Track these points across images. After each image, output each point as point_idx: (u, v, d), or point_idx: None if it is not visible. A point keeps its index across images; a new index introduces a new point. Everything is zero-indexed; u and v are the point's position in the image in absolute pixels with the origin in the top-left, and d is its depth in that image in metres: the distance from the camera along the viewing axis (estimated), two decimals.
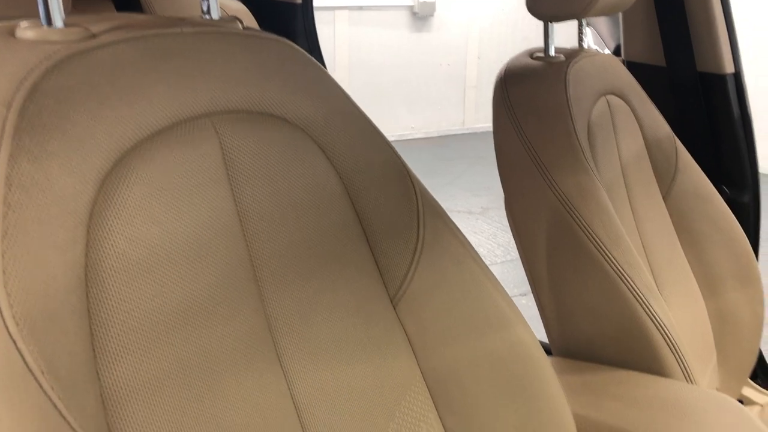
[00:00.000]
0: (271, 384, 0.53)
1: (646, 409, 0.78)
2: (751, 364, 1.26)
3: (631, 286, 0.88)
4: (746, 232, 1.23)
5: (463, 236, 0.70)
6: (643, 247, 1.11)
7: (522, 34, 5.65)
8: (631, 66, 1.35)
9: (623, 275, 0.88)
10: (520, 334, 0.69)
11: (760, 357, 1.35)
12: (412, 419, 0.65)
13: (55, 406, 0.37)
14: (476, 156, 5.05)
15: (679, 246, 1.19)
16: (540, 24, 1.06)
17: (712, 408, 0.77)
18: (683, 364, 0.88)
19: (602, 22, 1.61)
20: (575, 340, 0.93)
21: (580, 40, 1.17)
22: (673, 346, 0.88)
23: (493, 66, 5.40)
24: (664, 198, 1.20)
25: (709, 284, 1.21)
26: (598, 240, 0.89)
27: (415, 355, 0.67)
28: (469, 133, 5.84)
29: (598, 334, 0.91)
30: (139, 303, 0.45)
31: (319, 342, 0.58)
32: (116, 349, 0.43)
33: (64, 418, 0.37)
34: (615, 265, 0.88)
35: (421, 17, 5.41)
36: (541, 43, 1.07)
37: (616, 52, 1.48)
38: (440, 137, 5.70)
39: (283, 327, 0.56)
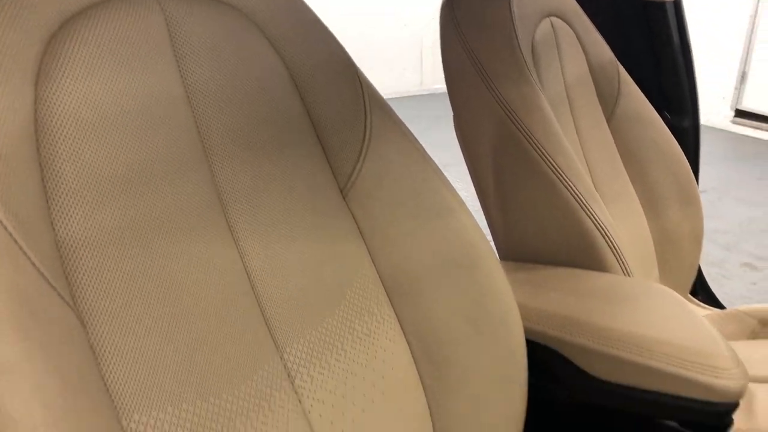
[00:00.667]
0: (223, 251, 0.55)
1: (585, 297, 0.83)
2: (690, 280, 1.32)
3: (573, 190, 0.92)
4: (687, 155, 1.29)
5: (408, 130, 0.73)
6: (588, 166, 1.15)
7: None
8: None
9: (565, 180, 0.92)
10: (464, 222, 0.72)
11: (699, 273, 1.42)
12: (361, 299, 0.68)
13: (15, 241, 0.39)
14: (434, 116, 5.07)
15: (623, 167, 1.24)
16: None
17: (648, 294, 0.82)
18: (622, 262, 0.93)
19: None
20: (521, 245, 0.97)
21: None
22: (613, 246, 0.93)
23: None
24: (607, 121, 1.24)
25: (651, 204, 1.26)
26: (541, 148, 0.92)
27: (364, 243, 0.69)
28: (428, 94, 5.86)
29: (541, 238, 0.96)
30: (90, 161, 0.47)
31: (270, 219, 0.60)
32: (68, 202, 0.45)
33: (24, 252, 0.39)
34: (557, 171, 0.92)
35: None
36: None
37: None
38: (398, 98, 5.71)
39: (234, 201, 0.58)
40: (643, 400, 0.76)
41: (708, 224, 2.96)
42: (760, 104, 4.24)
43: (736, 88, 4.28)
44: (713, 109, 4.23)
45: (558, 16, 1.14)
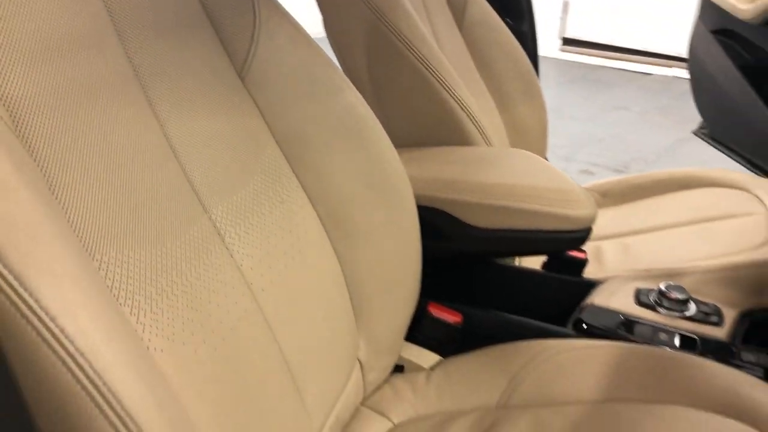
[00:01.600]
0: (146, 120, 0.60)
1: (462, 164, 0.95)
2: None
3: (440, 78, 1.03)
4: (528, 54, 1.45)
5: (297, 21, 0.80)
6: None
7: None
8: None
9: (432, 70, 1.03)
10: (351, 99, 0.81)
11: None
12: (271, 169, 0.75)
13: None
14: None
15: (474, 67, 1.38)
16: None
17: (514, 155, 0.96)
18: (487, 138, 1.06)
19: None
20: (397, 132, 1.07)
21: None
22: (478, 124, 1.05)
23: None
24: (458, 27, 1.37)
25: (501, 100, 1.41)
26: (408, 42, 1.03)
27: (265, 121, 0.76)
28: None
29: (415, 124, 1.07)
30: (21, 27, 0.50)
31: (179, 97, 0.65)
32: (7, 59, 0.49)
33: None
34: (424, 61, 1.03)
35: None
36: None
37: None
38: None
39: (148, 76, 0.62)
40: (515, 239, 0.90)
41: (548, 140, 3.27)
42: (581, 32, 4.66)
43: (561, 18, 4.67)
44: (543, 39, 4.57)
45: None
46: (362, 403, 0.85)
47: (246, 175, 0.70)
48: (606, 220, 1.34)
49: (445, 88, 1.03)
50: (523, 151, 0.99)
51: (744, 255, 1.04)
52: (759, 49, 1.94)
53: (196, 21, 0.71)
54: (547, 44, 4.64)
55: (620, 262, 1.13)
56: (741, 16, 1.84)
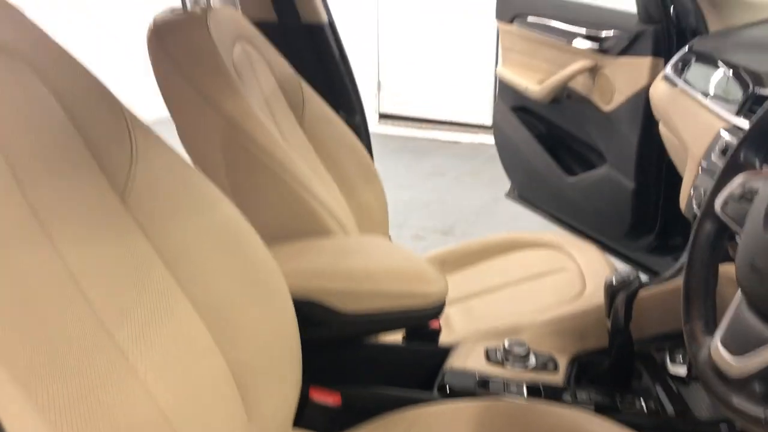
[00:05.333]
0: (46, 256, 0.64)
1: (328, 253, 1.05)
2: None
3: (295, 176, 1.14)
4: (362, 142, 1.60)
5: (170, 145, 0.86)
6: None
7: None
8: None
9: (288, 171, 1.13)
10: (227, 210, 0.88)
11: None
12: (161, 289, 0.80)
13: None
14: None
15: (318, 160, 1.50)
16: None
17: (371, 243, 1.08)
18: (342, 227, 1.17)
19: None
20: (262, 233, 1.15)
21: (208, 1, 1.37)
22: (335, 216, 1.17)
23: None
24: (299, 123, 1.49)
25: (344, 187, 1.54)
26: (264, 147, 1.12)
27: (150, 242, 0.81)
28: None
29: (275, 222, 1.15)
30: None
31: (77, 224, 0.69)
32: None
33: None
34: (280, 164, 1.13)
35: None
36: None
37: None
38: None
39: (45, 213, 0.66)
40: (382, 319, 1.01)
41: None
42: (394, 107, 5.05)
43: (376, 96, 5.02)
44: None
45: (245, 40, 1.35)
46: None
47: (140, 295, 0.75)
48: (449, 286, 1.50)
49: (301, 186, 1.13)
50: (377, 237, 1.11)
51: (565, 307, 1.24)
52: (550, 122, 2.28)
53: (78, 153, 0.75)
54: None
55: (467, 324, 1.29)
56: (533, 96, 2.16)
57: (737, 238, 0.72)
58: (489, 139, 4.34)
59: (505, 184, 2.61)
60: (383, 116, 5.10)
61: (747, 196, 0.73)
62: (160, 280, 0.80)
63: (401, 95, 5.02)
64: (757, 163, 0.77)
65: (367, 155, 1.59)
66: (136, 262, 0.77)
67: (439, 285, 1.00)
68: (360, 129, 1.69)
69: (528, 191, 2.56)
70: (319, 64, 1.64)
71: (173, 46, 1.15)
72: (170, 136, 0.97)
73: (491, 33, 4.43)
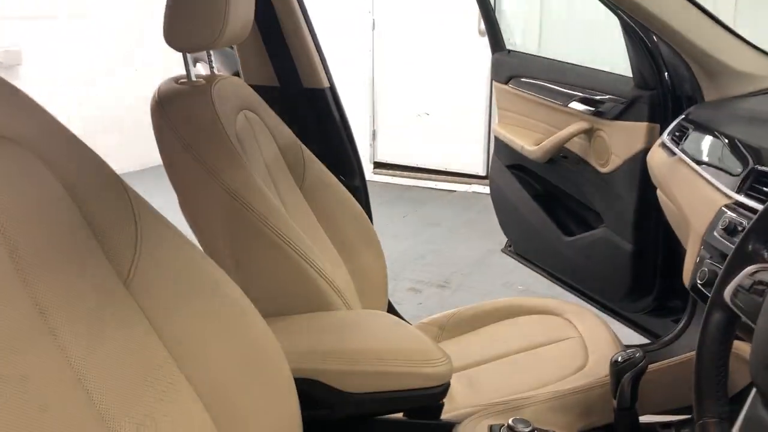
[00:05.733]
0: (50, 353, 0.62)
1: (330, 331, 1.04)
2: (385, 306, 1.63)
3: (299, 251, 1.13)
4: (362, 206, 1.60)
5: (176, 228, 0.86)
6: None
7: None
8: (252, 88, 1.62)
9: (290, 243, 1.13)
10: (228, 289, 0.88)
11: (390, 304, 1.75)
12: (161, 380, 0.78)
13: None
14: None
15: (318, 224, 1.50)
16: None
17: (372, 318, 1.07)
18: (345, 300, 1.16)
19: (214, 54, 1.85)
20: (262, 307, 1.14)
21: (211, 67, 1.38)
22: (336, 289, 1.16)
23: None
24: (300, 189, 1.49)
25: (344, 251, 1.54)
26: (266, 220, 1.12)
27: (152, 327, 0.80)
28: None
29: (278, 295, 1.14)
30: None
31: (80, 317, 0.68)
32: None
33: None
34: (283, 237, 1.12)
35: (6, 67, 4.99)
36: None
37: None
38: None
39: (51, 309, 0.65)
40: (387, 399, 0.99)
41: None
42: (390, 156, 5.08)
43: (371, 145, 5.06)
44: None
45: (249, 109, 1.36)
46: None
47: (144, 385, 0.73)
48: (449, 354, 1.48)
49: (304, 259, 1.13)
50: (382, 313, 1.10)
51: (568, 381, 1.22)
52: (546, 181, 2.29)
53: (85, 244, 0.74)
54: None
55: (470, 397, 1.27)
56: (529, 156, 2.18)
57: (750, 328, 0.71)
58: (482, 188, 4.38)
59: (500, 235, 2.61)
60: (378, 165, 5.13)
61: (757, 289, 0.73)
62: (163, 365, 0.79)
63: (395, 144, 5.05)
64: (765, 254, 0.77)
65: (367, 218, 1.59)
66: (140, 349, 0.76)
67: (443, 366, 0.99)
68: (360, 191, 1.70)
69: (524, 248, 2.56)
70: (320, 127, 1.65)
71: (176, 116, 1.16)
72: None
73: (484, 84, 4.50)
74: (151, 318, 0.80)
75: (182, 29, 1.18)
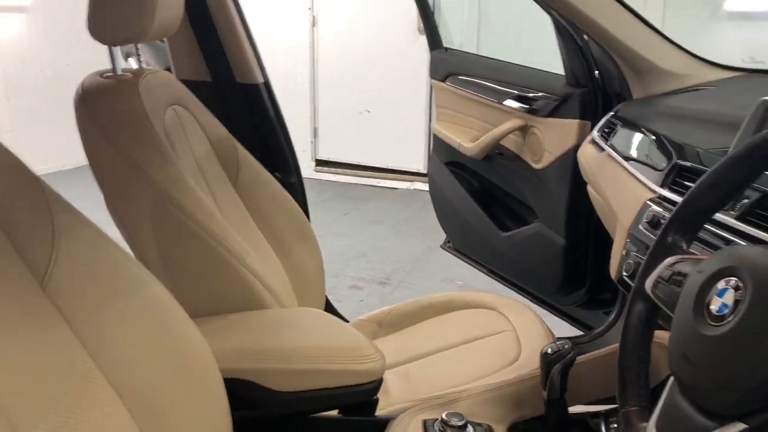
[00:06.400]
0: None
1: (262, 330, 1.02)
2: (322, 304, 1.62)
3: (228, 247, 1.11)
4: (298, 203, 1.58)
5: (96, 226, 0.82)
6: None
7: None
8: (184, 83, 1.58)
9: (220, 241, 1.10)
10: (154, 290, 0.85)
11: (327, 300, 1.73)
12: (82, 383, 0.75)
13: None
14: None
15: (252, 221, 1.47)
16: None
17: (305, 316, 1.05)
18: (278, 298, 1.15)
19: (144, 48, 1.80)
20: (192, 307, 1.11)
21: (139, 61, 1.34)
22: (268, 287, 1.14)
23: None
24: (234, 186, 1.46)
25: (280, 247, 1.52)
26: (195, 217, 1.09)
27: (71, 328, 0.77)
28: None
29: (208, 294, 1.12)
30: None
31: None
32: None
33: None
34: (212, 235, 1.10)
35: None
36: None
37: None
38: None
39: None
40: (318, 398, 0.98)
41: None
42: (331, 153, 5.05)
43: (312, 142, 5.02)
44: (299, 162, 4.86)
45: (179, 104, 1.32)
46: None
47: (60, 390, 0.70)
48: (385, 350, 1.48)
49: (235, 257, 1.10)
50: (315, 310, 1.09)
51: (501, 374, 1.23)
52: (483, 178, 2.32)
53: None
54: (302, 165, 4.93)
55: (405, 392, 1.27)
56: (466, 153, 2.20)
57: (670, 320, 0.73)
58: (424, 186, 4.40)
59: (440, 232, 2.63)
60: (320, 162, 5.10)
61: (676, 279, 0.75)
62: (83, 369, 0.76)
63: (337, 141, 5.04)
64: (684, 245, 0.79)
65: (303, 215, 1.57)
66: (58, 351, 0.73)
67: (375, 362, 0.98)
68: (296, 188, 1.68)
69: (462, 244, 2.59)
70: (254, 123, 1.62)
71: (101, 111, 1.12)
72: None
73: (424, 81, 4.53)
74: (69, 320, 0.76)
75: (108, 21, 1.14)
